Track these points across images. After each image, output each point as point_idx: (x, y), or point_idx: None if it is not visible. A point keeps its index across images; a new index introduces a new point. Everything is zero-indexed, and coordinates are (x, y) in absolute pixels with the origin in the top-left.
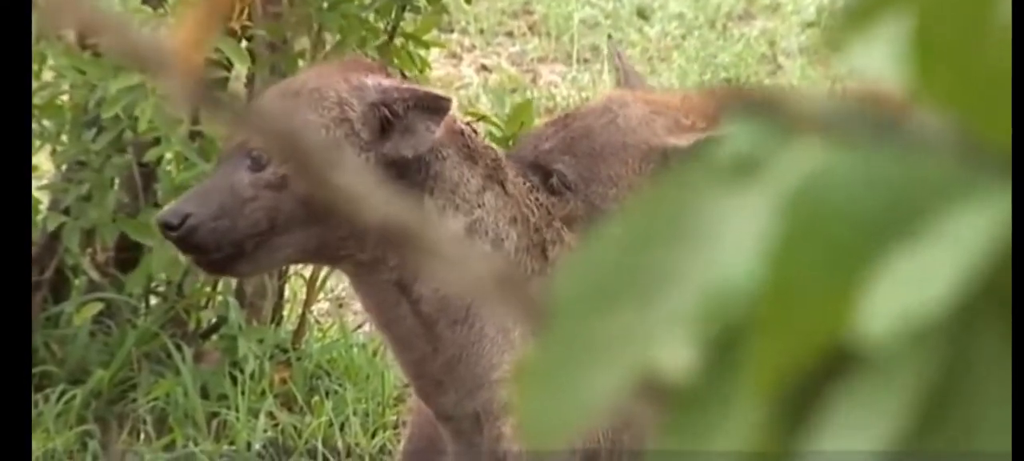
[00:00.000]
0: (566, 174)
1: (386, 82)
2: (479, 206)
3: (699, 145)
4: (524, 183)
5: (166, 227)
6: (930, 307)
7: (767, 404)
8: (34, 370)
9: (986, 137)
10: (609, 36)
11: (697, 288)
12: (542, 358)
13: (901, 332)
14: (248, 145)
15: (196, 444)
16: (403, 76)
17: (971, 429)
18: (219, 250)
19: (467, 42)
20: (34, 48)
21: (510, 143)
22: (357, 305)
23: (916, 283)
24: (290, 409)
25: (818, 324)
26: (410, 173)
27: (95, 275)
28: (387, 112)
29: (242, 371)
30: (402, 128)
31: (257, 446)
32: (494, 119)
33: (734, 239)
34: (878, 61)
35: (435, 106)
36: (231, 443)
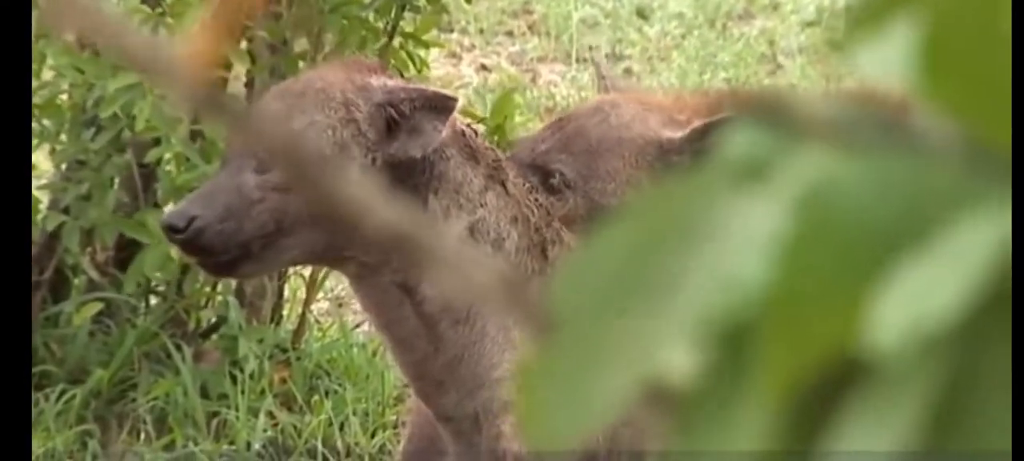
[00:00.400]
0: (565, 172)
1: (391, 82)
2: (482, 206)
3: (695, 134)
4: (524, 184)
5: (171, 230)
6: (940, 317)
7: (776, 409)
8: (34, 370)
9: (996, 144)
10: (591, 48)
11: (704, 292)
12: (549, 362)
13: (911, 342)
14: (253, 146)
15: (196, 444)
16: (401, 76)
17: (979, 438)
18: (226, 252)
19: (467, 42)
20: (34, 47)
21: (495, 137)
22: (357, 304)
23: (926, 293)
24: (290, 409)
25: (827, 331)
26: (415, 174)
27: (95, 275)
28: (393, 112)
29: (242, 371)
30: (409, 128)
31: (257, 446)
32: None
33: (742, 243)
34: (885, 65)
35: (441, 105)
36: (231, 443)
